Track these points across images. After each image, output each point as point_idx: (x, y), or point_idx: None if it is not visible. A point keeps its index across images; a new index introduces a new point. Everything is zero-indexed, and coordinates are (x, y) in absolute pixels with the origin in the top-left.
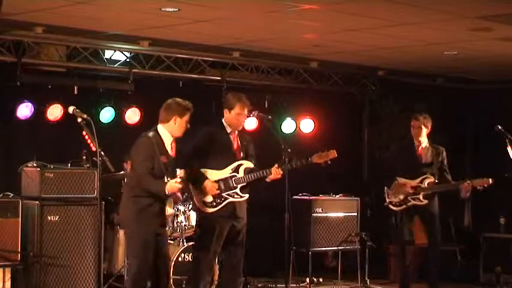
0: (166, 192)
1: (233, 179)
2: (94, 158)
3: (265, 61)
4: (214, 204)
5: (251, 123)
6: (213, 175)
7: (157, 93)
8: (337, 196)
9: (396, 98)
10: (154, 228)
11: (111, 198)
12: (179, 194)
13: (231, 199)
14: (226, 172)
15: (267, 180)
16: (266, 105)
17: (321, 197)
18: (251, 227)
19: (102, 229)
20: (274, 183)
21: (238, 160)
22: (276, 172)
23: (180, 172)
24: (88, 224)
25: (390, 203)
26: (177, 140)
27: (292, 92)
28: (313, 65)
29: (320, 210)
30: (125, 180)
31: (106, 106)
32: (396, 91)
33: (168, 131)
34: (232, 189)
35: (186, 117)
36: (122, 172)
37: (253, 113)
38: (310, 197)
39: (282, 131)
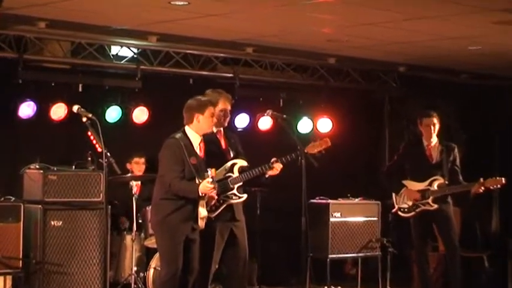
0: (200, 194)
1: (229, 179)
2: (100, 160)
3: (280, 57)
4: (214, 208)
5: (265, 123)
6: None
7: (166, 91)
8: (356, 199)
9: (418, 95)
10: (185, 232)
11: (118, 202)
12: (213, 194)
13: (229, 201)
14: (220, 174)
15: (266, 176)
16: (281, 104)
17: (340, 200)
18: (265, 232)
19: (108, 235)
20: (291, 186)
21: (229, 159)
22: (276, 166)
23: (211, 171)
24: (93, 230)
25: (399, 209)
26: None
27: (309, 89)
28: (330, 61)
29: (338, 214)
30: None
31: (112, 105)
32: (418, 88)
33: (195, 131)
34: (229, 190)
35: (209, 111)
36: (129, 174)
37: (267, 112)
38: (328, 201)
39: (297, 131)
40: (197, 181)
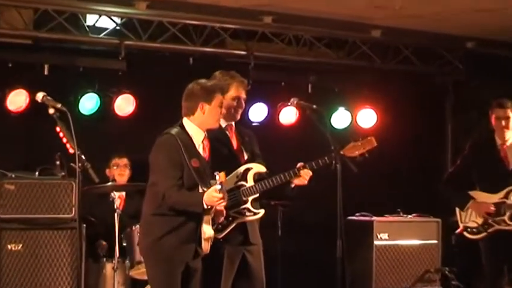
0: (205, 206)
1: (241, 189)
2: (71, 164)
3: (308, 29)
4: (220, 227)
5: (289, 116)
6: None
7: (159, 74)
8: (409, 216)
9: (491, 79)
10: (185, 259)
11: (95, 220)
12: (222, 207)
13: (241, 218)
14: (230, 182)
15: (291, 186)
16: (310, 90)
17: (387, 217)
18: (288, 259)
19: (83, 262)
20: (322, 198)
21: (242, 163)
22: (303, 173)
23: (219, 176)
24: (63, 256)
25: (465, 229)
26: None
27: (347, 72)
28: (375, 34)
29: (385, 236)
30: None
31: (88, 92)
32: (491, 70)
33: (197, 125)
34: (241, 204)
35: (217, 100)
36: (110, 183)
37: (291, 100)
38: (372, 218)
39: (331, 126)
40: (200, 190)
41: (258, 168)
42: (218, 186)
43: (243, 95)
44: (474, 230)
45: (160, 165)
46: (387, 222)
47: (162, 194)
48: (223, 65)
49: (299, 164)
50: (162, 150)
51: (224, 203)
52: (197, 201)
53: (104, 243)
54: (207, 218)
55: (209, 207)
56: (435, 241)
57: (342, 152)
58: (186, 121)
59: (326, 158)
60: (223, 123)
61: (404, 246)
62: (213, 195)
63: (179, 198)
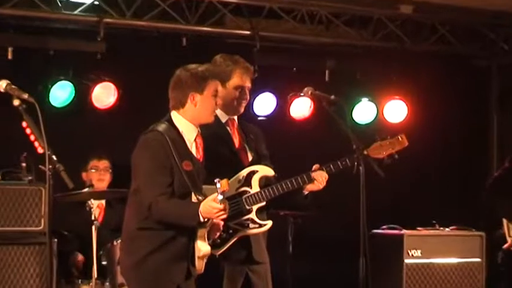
0: (201, 219)
1: (244, 197)
2: (41, 166)
3: (324, 4)
4: (218, 242)
5: (301, 108)
6: (209, 195)
7: (145, 58)
8: (447, 229)
9: None
10: (176, 280)
11: (69, 233)
12: (219, 220)
13: (243, 231)
14: (230, 187)
15: (304, 193)
16: (327, 78)
17: (420, 230)
18: (301, 280)
19: (54, 283)
20: (342, 208)
21: (246, 165)
22: (318, 177)
23: (221, 184)
24: (30, 276)
25: None
26: None
27: (371, 55)
28: (405, 9)
29: (418, 252)
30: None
31: (60, 79)
32: None
33: (189, 120)
34: (244, 215)
35: (211, 88)
36: (87, 189)
37: (305, 90)
38: (402, 231)
39: (353, 121)
40: (194, 199)
41: (264, 171)
42: (219, 197)
43: (248, 84)
44: None
45: (145, 168)
46: (420, 236)
47: (148, 204)
48: (223, 47)
49: (314, 167)
50: (148, 150)
51: (225, 216)
52: (192, 213)
53: (80, 258)
54: (202, 232)
55: (206, 219)
56: (478, 259)
57: (365, 153)
58: (175, 115)
59: (347, 160)
60: (224, 118)
61: (441, 266)
62: (211, 206)
63: (169, 210)
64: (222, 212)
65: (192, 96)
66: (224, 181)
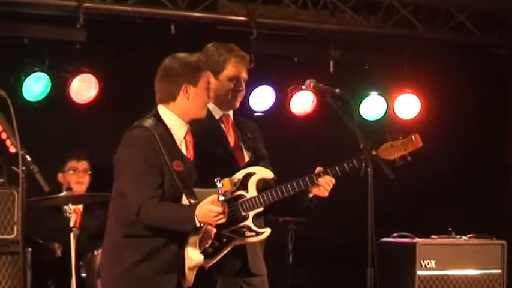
0: (197, 224)
1: (240, 201)
2: (13, 168)
3: None
4: (210, 251)
5: (303, 103)
6: (201, 198)
7: (129, 47)
8: (464, 238)
9: None
10: None
11: (44, 242)
12: (218, 224)
13: (239, 240)
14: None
15: (309, 196)
16: (331, 69)
17: (434, 239)
18: None
19: None
20: (347, 213)
21: (242, 166)
22: (322, 181)
23: (223, 184)
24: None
25: None
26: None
27: (380, 43)
28: None
29: (432, 263)
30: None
31: (35, 71)
32: None
33: (179, 115)
34: (239, 221)
35: (204, 80)
36: (64, 193)
37: (307, 82)
38: (414, 240)
39: (360, 117)
40: (185, 201)
41: (262, 173)
42: (221, 198)
43: (244, 75)
44: None
45: (132, 169)
46: (434, 245)
47: (137, 208)
48: (216, 35)
49: (317, 169)
50: (135, 148)
51: (224, 220)
52: (187, 217)
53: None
54: (194, 239)
55: (202, 225)
56: (499, 270)
57: (375, 153)
58: (163, 110)
59: (354, 161)
60: (218, 113)
61: (457, 277)
62: (209, 209)
63: (161, 214)
64: (222, 216)
65: (186, 89)
66: (226, 180)
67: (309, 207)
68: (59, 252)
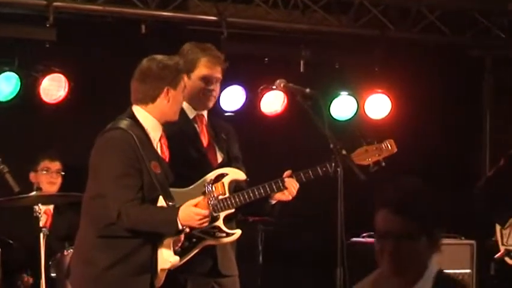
0: (180, 227)
1: (211, 203)
2: None
3: None
4: (179, 251)
5: (274, 102)
6: (175, 198)
7: (99, 47)
8: None
9: None
10: None
11: (14, 242)
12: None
13: (209, 240)
14: (195, 191)
15: (272, 202)
16: (302, 69)
17: None
18: None
19: None
20: (317, 213)
21: (214, 167)
22: (290, 185)
23: (216, 187)
24: None
25: (508, 253)
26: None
27: (352, 44)
28: None
29: None
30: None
31: (4, 71)
32: None
33: (156, 117)
34: (210, 222)
35: (183, 84)
36: (35, 193)
37: (277, 82)
38: None
39: (331, 116)
40: (162, 202)
41: (234, 174)
42: (213, 201)
43: (217, 75)
44: None
45: (111, 171)
46: None
47: (117, 210)
48: (186, 34)
49: (287, 172)
50: (114, 150)
51: (207, 224)
52: (169, 220)
53: (26, 273)
54: (169, 241)
55: (184, 227)
56: (468, 270)
57: (345, 153)
58: (139, 111)
59: (328, 165)
60: (192, 113)
61: None
62: (196, 212)
63: (143, 217)
64: (207, 219)
65: (167, 91)
66: (219, 184)
67: (270, 213)
68: (29, 280)
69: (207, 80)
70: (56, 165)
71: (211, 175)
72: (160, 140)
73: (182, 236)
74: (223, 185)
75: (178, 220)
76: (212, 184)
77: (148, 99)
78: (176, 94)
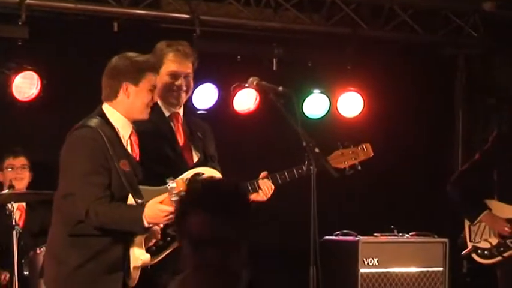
0: (146, 224)
1: (172, 199)
2: None
3: None
4: (154, 249)
5: (246, 100)
6: (147, 196)
7: (72, 45)
8: (406, 235)
9: None
10: None
11: None
12: (160, 225)
13: None
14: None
15: None
16: (275, 67)
17: (377, 237)
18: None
19: None
20: (290, 212)
21: (190, 166)
22: (265, 187)
23: (178, 183)
24: None
25: (475, 250)
26: None
27: (323, 42)
28: None
29: (374, 261)
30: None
31: None
32: None
33: (122, 113)
34: None
35: (148, 82)
36: (6, 191)
37: (250, 80)
38: (357, 237)
39: (303, 114)
40: (131, 200)
41: (210, 174)
42: (174, 198)
43: (186, 70)
44: (486, 252)
45: (79, 169)
46: (376, 243)
47: (85, 208)
48: (159, 32)
49: (263, 173)
50: (83, 149)
51: (171, 220)
52: (135, 218)
53: (4, 275)
54: (140, 239)
55: (151, 225)
56: (441, 268)
57: (318, 151)
58: (107, 108)
59: (303, 167)
60: (167, 111)
61: (400, 275)
62: (160, 209)
63: (110, 215)
64: (172, 216)
65: (126, 86)
66: (180, 180)
67: None
68: (3, 279)
69: (174, 75)
70: (21, 160)
71: (187, 174)
72: (130, 137)
73: (158, 235)
74: (184, 181)
75: (144, 218)
76: (173, 181)
77: (111, 94)
78: (138, 91)
